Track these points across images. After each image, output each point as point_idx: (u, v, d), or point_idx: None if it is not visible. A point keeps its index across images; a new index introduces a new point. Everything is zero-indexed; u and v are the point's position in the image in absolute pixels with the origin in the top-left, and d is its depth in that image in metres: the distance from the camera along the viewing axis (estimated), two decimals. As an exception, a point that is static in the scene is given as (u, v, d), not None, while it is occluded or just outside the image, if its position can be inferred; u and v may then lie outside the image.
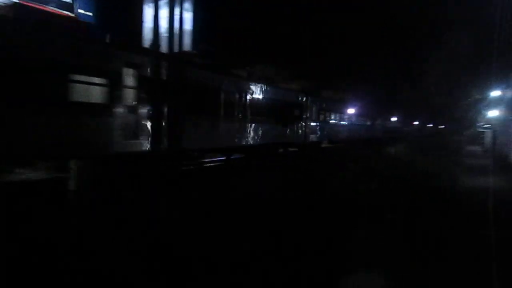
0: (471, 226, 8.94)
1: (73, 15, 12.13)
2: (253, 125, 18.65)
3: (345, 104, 34.21)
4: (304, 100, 25.28)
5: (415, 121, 67.42)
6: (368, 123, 41.81)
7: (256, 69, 21.85)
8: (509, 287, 5.73)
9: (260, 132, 19.11)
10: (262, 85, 19.95)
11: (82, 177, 9.06)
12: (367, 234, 5.18)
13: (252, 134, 18.51)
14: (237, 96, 17.56)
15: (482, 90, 31.48)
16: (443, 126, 62.78)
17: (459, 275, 6.06)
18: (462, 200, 10.90)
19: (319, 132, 27.60)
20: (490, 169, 23.21)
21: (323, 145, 28.34)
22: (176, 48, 10.19)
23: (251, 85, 19.04)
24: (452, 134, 43.29)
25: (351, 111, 34.55)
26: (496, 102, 30.87)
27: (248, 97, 18.45)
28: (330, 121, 30.17)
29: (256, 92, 19.24)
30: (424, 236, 6.40)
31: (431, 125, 76.00)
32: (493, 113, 33.02)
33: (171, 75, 11.01)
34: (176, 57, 10.18)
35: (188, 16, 16.73)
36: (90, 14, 16.15)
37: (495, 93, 30.89)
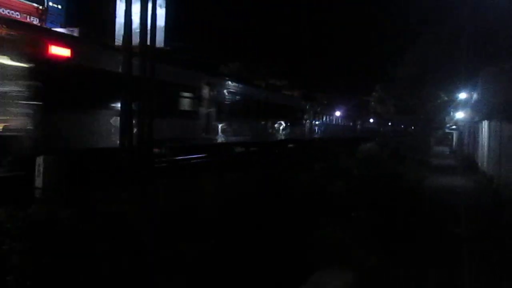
0: (432, 223, 9.32)
1: (42, 8, 11.90)
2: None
3: (332, 108, 40.16)
4: (305, 104, 30.76)
5: (389, 122, 70.36)
6: (350, 124, 47.06)
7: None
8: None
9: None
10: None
11: (51, 173, 8.88)
12: (331, 230, 5.32)
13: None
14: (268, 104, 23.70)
15: (450, 93, 32.39)
16: (413, 128, 64.59)
17: (418, 267, 6.31)
18: (426, 199, 11.27)
19: (316, 131, 32.73)
20: (456, 169, 24.00)
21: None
22: (149, 43, 10.07)
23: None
24: (421, 135, 44.46)
25: (336, 113, 40.28)
26: (463, 104, 31.85)
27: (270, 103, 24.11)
28: (323, 122, 35.18)
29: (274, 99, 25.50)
30: (385, 230, 6.66)
31: (403, 126, 78.11)
32: (460, 114, 34.07)
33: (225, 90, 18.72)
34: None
35: (161, 13, 16.60)
36: (60, 7, 15.85)
37: (462, 95, 31.88)
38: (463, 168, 23.17)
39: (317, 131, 33.17)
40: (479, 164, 20.52)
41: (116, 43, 14.03)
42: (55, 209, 4.90)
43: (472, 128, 26.69)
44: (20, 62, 10.20)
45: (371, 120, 61.64)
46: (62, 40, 11.46)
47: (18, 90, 10.13)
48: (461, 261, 6.94)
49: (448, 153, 39.74)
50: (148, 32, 9.48)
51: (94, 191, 6.19)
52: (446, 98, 32.35)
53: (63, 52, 10.92)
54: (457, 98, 33.58)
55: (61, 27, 27.23)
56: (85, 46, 12.37)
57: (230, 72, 41.76)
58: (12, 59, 10.17)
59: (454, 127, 42.28)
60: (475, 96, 24.31)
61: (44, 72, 10.17)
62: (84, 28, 16.04)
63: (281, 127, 25.23)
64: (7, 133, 9.96)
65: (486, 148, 17.63)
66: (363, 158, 10.74)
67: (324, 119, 35.95)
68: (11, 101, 10.18)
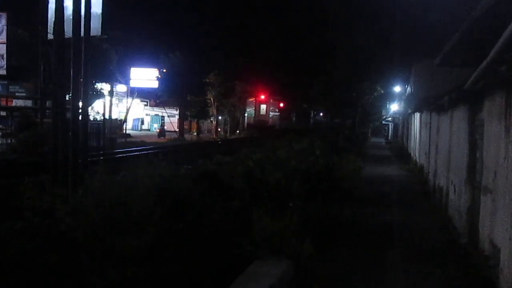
0: (363, 208, 9.83)
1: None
2: None
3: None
4: None
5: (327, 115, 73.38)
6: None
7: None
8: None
9: None
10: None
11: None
12: (270, 220, 5.41)
13: None
14: None
15: (386, 86, 33.80)
16: (350, 120, 67.17)
17: (352, 253, 6.60)
18: (359, 187, 11.77)
19: None
20: (390, 159, 25.20)
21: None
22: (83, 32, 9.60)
23: None
24: (359, 127, 46.18)
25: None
26: (397, 97, 33.38)
27: None
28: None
29: None
30: (320, 219, 6.92)
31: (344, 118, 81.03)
32: (395, 107, 35.71)
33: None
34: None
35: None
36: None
37: (397, 89, 33.40)
38: (397, 158, 24.39)
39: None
40: (412, 154, 21.63)
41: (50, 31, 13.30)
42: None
43: (405, 120, 28.04)
44: None
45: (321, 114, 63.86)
46: None
47: None
48: (393, 246, 7.33)
49: (384, 144, 41.63)
50: (82, 19, 9.05)
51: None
52: (382, 91, 33.75)
53: None
54: (392, 91, 35.13)
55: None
56: None
57: (170, 63, 41.07)
58: None
59: (389, 119, 44.27)
60: (408, 89, 25.51)
61: None
62: (13, 13, 15.07)
63: None
64: None
65: (417, 139, 18.62)
66: (301, 150, 10.96)
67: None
68: None
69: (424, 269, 6.14)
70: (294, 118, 68.10)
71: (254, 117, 57.75)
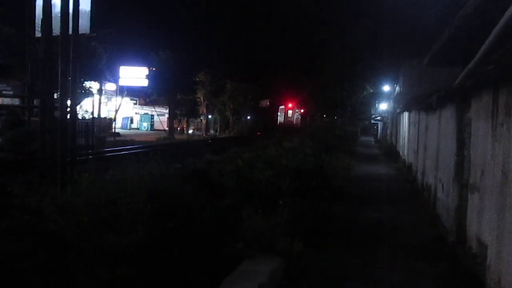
0: (353, 206, 9.91)
1: None
2: None
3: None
4: None
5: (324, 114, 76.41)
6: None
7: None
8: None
9: None
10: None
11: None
12: (260, 217, 5.43)
13: None
14: None
15: (375, 85, 34.05)
16: (340, 119, 67.98)
17: (341, 250, 6.65)
18: (349, 185, 11.86)
19: None
20: (379, 157, 25.38)
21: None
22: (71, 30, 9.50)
23: None
24: (349, 126, 46.41)
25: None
26: (386, 97, 33.61)
27: None
28: None
29: None
30: (310, 216, 6.96)
31: (335, 117, 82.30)
32: (384, 106, 35.95)
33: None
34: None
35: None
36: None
37: (386, 88, 33.62)
38: (386, 157, 24.56)
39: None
40: (400, 153, 21.80)
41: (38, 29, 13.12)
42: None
43: (394, 119, 28.24)
44: None
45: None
46: None
47: None
48: (382, 243, 7.39)
49: (373, 142, 41.87)
50: (70, 17, 8.96)
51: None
52: (371, 91, 33.98)
53: None
54: (381, 90, 35.37)
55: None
56: None
57: (160, 62, 40.85)
58: None
59: (378, 118, 44.55)
60: (397, 88, 25.70)
61: None
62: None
63: None
64: None
65: (406, 138, 18.77)
66: (291, 148, 11.00)
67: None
68: None
69: (412, 266, 6.20)
70: (308, 119, 78.64)
71: (284, 119, 76.51)
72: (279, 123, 73.45)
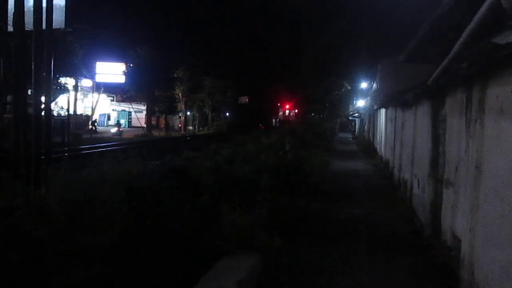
0: (331, 202, 10.01)
1: None
2: None
3: None
4: None
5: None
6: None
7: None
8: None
9: None
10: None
11: None
12: (239, 214, 5.43)
13: None
14: None
15: (353, 82, 34.42)
16: (319, 116, 68.74)
17: (319, 245, 6.71)
18: (327, 181, 11.95)
19: None
20: (357, 153, 25.67)
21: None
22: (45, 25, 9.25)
23: None
24: (328, 123, 46.74)
25: None
26: (364, 93, 34.01)
27: None
28: None
29: None
30: (289, 212, 7.01)
31: (313, 114, 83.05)
32: (361, 103, 36.37)
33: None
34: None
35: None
36: None
37: (363, 85, 34.02)
38: (364, 153, 24.86)
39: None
40: (378, 149, 22.08)
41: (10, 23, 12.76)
42: None
43: (371, 116, 28.57)
44: None
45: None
46: None
47: None
48: (360, 238, 7.48)
49: (351, 139, 42.30)
50: (44, 11, 8.74)
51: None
52: (349, 88, 34.31)
53: None
54: (359, 87, 35.77)
55: None
56: None
57: (138, 58, 40.32)
58: None
59: (356, 115, 45.06)
60: (374, 85, 26.03)
61: None
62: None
63: None
64: None
65: (383, 134, 19.03)
66: (270, 144, 11.02)
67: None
68: None
69: (389, 260, 6.30)
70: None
71: (283, 116, 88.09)
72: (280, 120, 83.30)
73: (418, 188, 8.60)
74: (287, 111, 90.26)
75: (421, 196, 8.26)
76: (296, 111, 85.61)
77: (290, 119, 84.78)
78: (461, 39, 3.88)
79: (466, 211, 4.91)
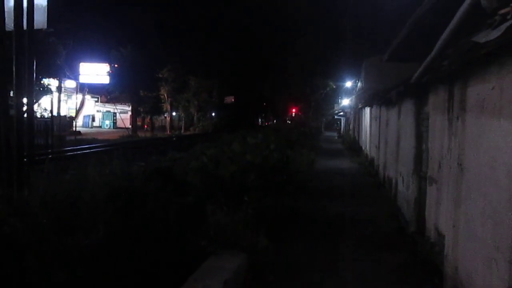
0: (317, 200, 10.07)
1: None
2: None
3: None
4: None
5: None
6: None
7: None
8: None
9: None
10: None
11: None
12: (225, 214, 5.43)
13: None
14: None
15: (338, 81, 34.63)
16: (304, 115, 69.36)
17: (305, 244, 6.74)
18: (313, 179, 12.03)
19: None
20: (342, 152, 25.84)
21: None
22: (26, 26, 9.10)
23: None
24: (313, 122, 46.89)
25: None
26: (349, 92, 34.24)
27: None
28: None
29: None
30: (275, 211, 7.03)
31: (300, 113, 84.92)
32: (346, 102, 36.60)
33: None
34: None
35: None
36: None
37: (348, 84, 34.24)
38: (349, 151, 25.05)
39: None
40: (363, 147, 22.25)
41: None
42: None
43: (356, 114, 28.77)
44: None
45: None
46: None
47: None
48: (345, 235, 7.52)
49: (336, 138, 42.54)
50: (25, 11, 8.60)
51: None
52: (334, 87, 34.50)
53: None
54: (344, 86, 35.98)
55: None
56: None
57: (122, 58, 39.95)
58: None
59: (341, 113, 45.33)
60: (359, 84, 26.21)
61: None
62: None
63: None
64: None
65: (368, 133, 19.18)
66: (256, 144, 11.02)
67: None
68: None
69: (374, 256, 6.36)
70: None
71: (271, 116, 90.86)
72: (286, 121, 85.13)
73: (403, 185, 8.68)
74: (272, 111, 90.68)
75: (405, 193, 8.35)
76: (282, 110, 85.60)
77: (277, 118, 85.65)
78: (442, 38, 3.93)
79: (450, 208, 4.98)
